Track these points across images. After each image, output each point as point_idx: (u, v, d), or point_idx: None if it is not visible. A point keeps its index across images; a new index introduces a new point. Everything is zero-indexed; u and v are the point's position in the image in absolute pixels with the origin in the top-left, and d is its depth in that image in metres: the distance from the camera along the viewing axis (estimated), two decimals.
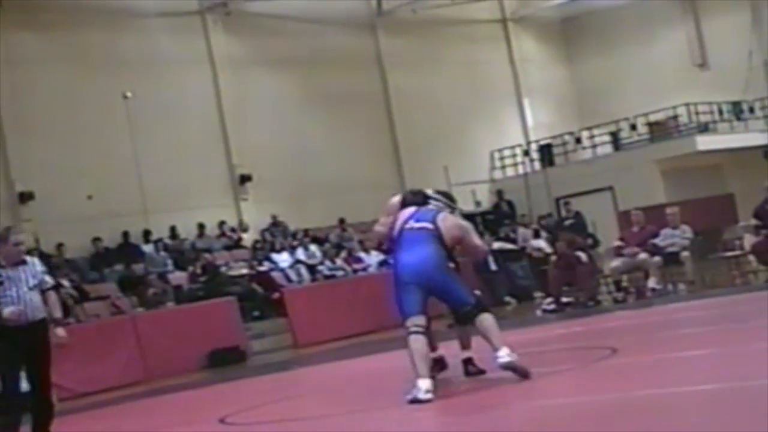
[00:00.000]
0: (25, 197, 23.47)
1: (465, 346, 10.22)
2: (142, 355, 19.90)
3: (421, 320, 9.28)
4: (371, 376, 11.52)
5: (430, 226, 9.54)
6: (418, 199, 10.13)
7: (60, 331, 9.67)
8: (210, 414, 11.02)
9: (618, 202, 28.50)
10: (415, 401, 8.81)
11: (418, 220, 9.63)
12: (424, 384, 8.90)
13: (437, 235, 9.49)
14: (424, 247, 9.42)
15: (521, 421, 7.31)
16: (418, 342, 9.15)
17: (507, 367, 9.09)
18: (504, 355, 9.07)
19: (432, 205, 10.02)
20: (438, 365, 10.19)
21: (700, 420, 6.27)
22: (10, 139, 23.61)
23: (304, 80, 28.73)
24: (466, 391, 9.69)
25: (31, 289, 9.34)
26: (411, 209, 9.84)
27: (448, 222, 9.69)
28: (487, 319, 9.32)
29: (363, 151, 29.29)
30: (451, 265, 9.65)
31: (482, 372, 10.00)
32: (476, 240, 10.04)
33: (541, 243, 24.68)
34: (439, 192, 10.46)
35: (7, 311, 9.19)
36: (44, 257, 22.62)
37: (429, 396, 8.84)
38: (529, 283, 24.16)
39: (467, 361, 10.17)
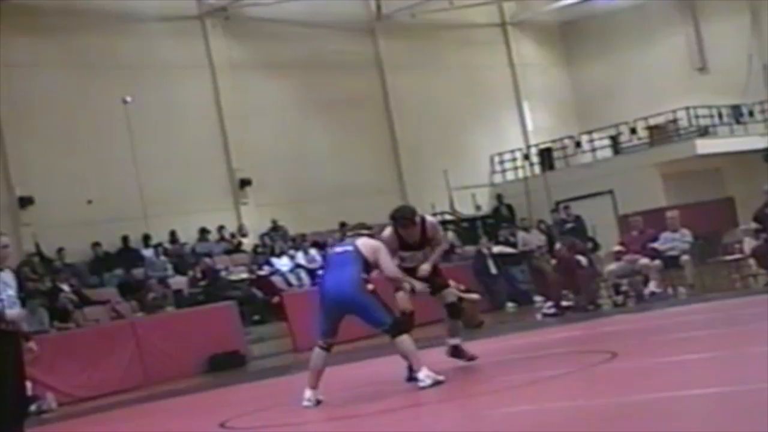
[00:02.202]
0: (25, 202, 23.45)
1: (452, 334, 11.34)
2: (142, 359, 19.90)
3: (330, 340, 10.36)
4: (370, 381, 11.52)
5: (350, 248, 10.39)
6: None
7: (31, 344, 9.58)
8: (210, 418, 11.02)
9: (618, 205, 28.50)
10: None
11: (341, 246, 10.68)
12: (307, 393, 10.22)
13: (357, 254, 10.26)
14: (345, 269, 10.22)
15: (521, 425, 7.30)
16: (316, 356, 10.33)
17: (427, 387, 9.81)
18: (423, 378, 9.88)
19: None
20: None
21: (701, 424, 6.26)
22: (9, 143, 23.60)
23: (303, 84, 28.73)
24: (464, 395, 9.69)
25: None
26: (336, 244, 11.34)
27: (366, 242, 10.45)
28: (404, 341, 10.06)
29: (363, 156, 29.28)
30: (370, 286, 10.25)
31: (474, 358, 11.29)
32: (385, 258, 10.45)
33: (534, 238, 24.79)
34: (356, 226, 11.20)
35: (14, 313, 9.07)
36: (45, 262, 22.70)
37: (307, 404, 10.15)
38: (529, 287, 24.16)
39: (455, 348, 11.30)
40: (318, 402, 10.26)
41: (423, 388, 9.84)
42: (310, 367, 10.37)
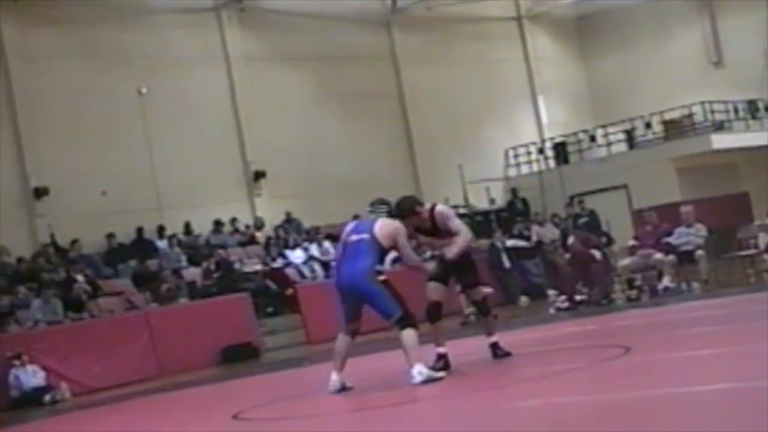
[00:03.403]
0: (40, 192, 23.53)
1: (489, 333, 11.29)
2: (156, 350, 19.97)
3: (352, 325, 10.54)
4: (384, 374, 11.53)
5: (366, 236, 10.34)
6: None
7: None
8: (223, 410, 11.03)
9: (632, 200, 28.45)
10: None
11: (357, 233, 10.49)
12: (333, 377, 10.50)
13: (373, 243, 10.29)
14: (359, 259, 10.28)
15: (532, 420, 7.30)
16: (340, 342, 10.57)
17: (419, 384, 9.83)
18: (416, 374, 9.91)
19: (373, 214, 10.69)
20: (442, 360, 10.72)
21: (714, 419, 6.24)
22: (25, 134, 23.66)
23: (318, 77, 28.74)
24: (474, 389, 9.69)
25: None
26: (353, 223, 10.98)
27: (384, 227, 10.40)
28: (407, 336, 10.06)
29: (377, 148, 29.29)
30: (382, 277, 10.44)
31: (508, 354, 11.12)
32: (404, 242, 10.53)
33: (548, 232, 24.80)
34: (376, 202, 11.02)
35: None
36: (59, 252, 22.77)
37: (332, 387, 10.44)
38: (543, 280, 24.14)
39: (494, 345, 11.18)
40: (344, 387, 10.49)
41: (415, 384, 9.85)
42: (335, 353, 10.62)
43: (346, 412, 9.98)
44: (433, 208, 11.05)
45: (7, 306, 20.35)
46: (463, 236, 10.94)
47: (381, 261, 10.47)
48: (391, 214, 10.68)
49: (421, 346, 10.24)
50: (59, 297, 20.51)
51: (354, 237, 10.46)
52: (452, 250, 10.76)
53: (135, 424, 12.28)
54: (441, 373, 10.22)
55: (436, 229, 10.94)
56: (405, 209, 10.85)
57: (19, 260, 22.30)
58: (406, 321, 10.13)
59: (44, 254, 22.64)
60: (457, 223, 11.03)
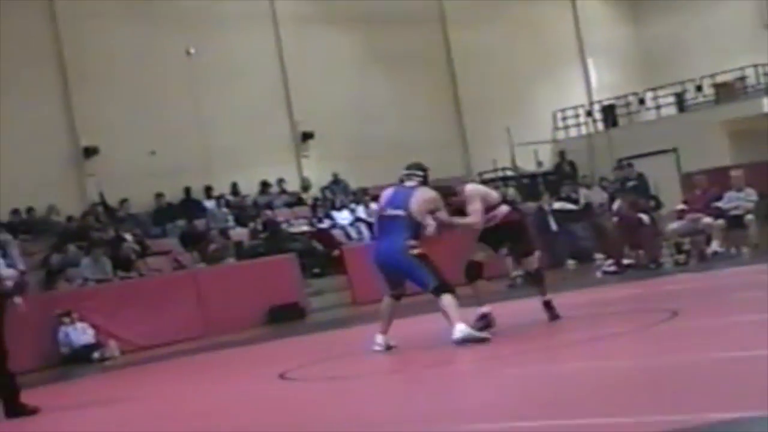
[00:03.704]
0: (90, 152, 23.71)
1: (543, 293, 11.25)
2: (202, 310, 20.09)
3: (395, 292, 10.69)
4: (427, 336, 11.54)
5: (401, 213, 10.42)
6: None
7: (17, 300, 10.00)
8: (269, 369, 11.09)
9: (681, 164, 28.20)
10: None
11: (394, 206, 10.54)
12: (378, 338, 10.68)
13: (408, 220, 10.37)
14: (393, 236, 10.41)
15: (578, 382, 7.28)
16: (385, 305, 10.72)
17: (460, 342, 9.89)
18: (457, 331, 9.94)
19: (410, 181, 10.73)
20: (485, 320, 10.79)
21: (763, 384, 6.19)
22: (75, 94, 23.83)
23: (366, 38, 28.66)
24: (520, 351, 9.67)
25: None
26: (390, 190, 10.81)
27: (420, 199, 10.47)
28: (446, 300, 10.14)
29: (424, 110, 29.20)
30: (416, 251, 10.34)
31: (558, 317, 11.10)
32: (443, 216, 10.59)
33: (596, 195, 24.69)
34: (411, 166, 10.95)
35: (8, 272, 9.30)
36: (108, 211, 22.97)
37: (377, 348, 10.63)
38: (590, 244, 24.01)
39: (547, 304, 11.21)
40: (389, 347, 10.66)
41: (457, 342, 9.91)
42: (380, 315, 10.81)
43: (388, 373, 10.02)
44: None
45: (57, 264, 20.57)
46: (469, 220, 10.78)
47: (416, 235, 10.43)
48: (425, 182, 10.70)
49: (464, 309, 10.27)
50: (108, 256, 20.70)
51: (390, 211, 10.53)
52: (429, 228, 10.50)
53: (183, 383, 12.38)
54: (484, 334, 10.22)
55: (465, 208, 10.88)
56: (439, 190, 10.81)
57: (69, 219, 22.52)
58: (443, 288, 10.20)
59: (93, 213, 22.83)
60: (472, 209, 10.79)
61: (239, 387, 10.57)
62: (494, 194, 11.42)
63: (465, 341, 9.89)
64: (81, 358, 17.88)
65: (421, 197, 10.48)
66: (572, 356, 8.79)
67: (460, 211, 10.85)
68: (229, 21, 26.13)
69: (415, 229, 10.41)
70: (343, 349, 12.46)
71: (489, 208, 10.89)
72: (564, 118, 31.85)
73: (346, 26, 28.28)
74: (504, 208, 11.09)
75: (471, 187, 11.15)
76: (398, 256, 10.35)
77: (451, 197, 10.84)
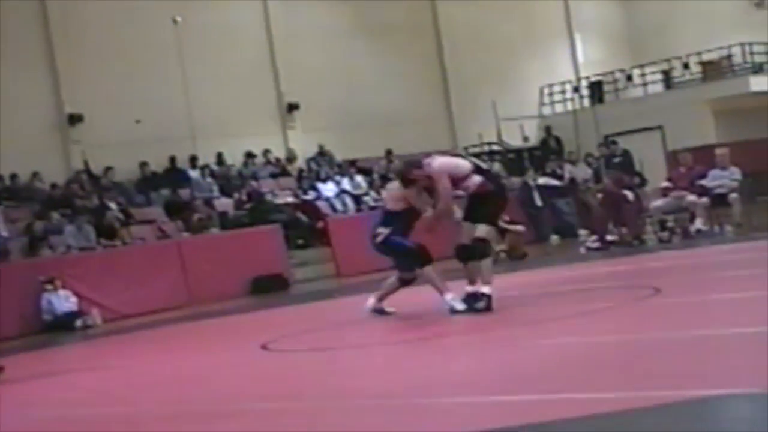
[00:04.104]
0: (74, 119, 23.59)
1: (471, 281, 10.79)
2: (186, 279, 20.09)
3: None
4: (412, 308, 11.57)
5: (387, 207, 11.54)
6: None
7: None
8: (252, 339, 11.12)
9: (667, 141, 28.24)
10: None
11: (384, 200, 12.00)
12: (370, 300, 11.54)
13: (391, 214, 11.32)
14: (382, 226, 11.41)
15: (561, 357, 7.31)
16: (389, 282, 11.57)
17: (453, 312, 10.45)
18: (449, 301, 10.62)
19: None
20: (486, 299, 10.52)
21: (742, 361, 6.23)
22: (60, 60, 23.69)
23: (354, 9, 28.55)
24: (505, 325, 9.71)
25: None
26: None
27: (390, 198, 11.53)
28: (427, 272, 10.95)
29: (412, 83, 29.14)
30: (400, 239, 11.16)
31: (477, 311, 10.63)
32: (412, 199, 11.19)
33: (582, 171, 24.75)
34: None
35: None
36: (93, 179, 22.89)
37: (367, 307, 11.45)
38: (575, 219, 24.08)
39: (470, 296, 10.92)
40: (382, 311, 11.40)
41: (453, 311, 10.45)
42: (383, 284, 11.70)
43: (372, 345, 10.04)
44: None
45: (41, 231, 20.52)
46: (441, 206, 10.72)
47: (406, 225, 11.22)
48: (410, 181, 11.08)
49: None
50: (92, 224, 20.65)
51: (382, 204, 11.81)
52: (423, 221, 10.98)
53: (165, 352, 12.39)
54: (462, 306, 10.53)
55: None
56: (402, 180, 11.11)
57: (53, 186, 22.43)
58: (422, 262, 10.88)
59: (78, 181, 22.75)
60: (441, 188, 10.58)
61: (221, 356, 10.59)
62: (464, 164, 10.85)
63: (456, 312, 10.39)
64: (63, 325, 17.83)
65: (391, 197, 11.51)
66: (554, 332, 8.82)
67: (430, 191, 10.89)
68: None
69: (400, 219, 11.21)
70: (325, 321, 12.49)
71: (461, 178, 10.60)
72: (551, 94, 31.82)
73: None
74: (476, 178, 10.60)
75: (437, 165, 10.71)
76: (385, 244, 11.39)
77: (415, 169, 10.83)
